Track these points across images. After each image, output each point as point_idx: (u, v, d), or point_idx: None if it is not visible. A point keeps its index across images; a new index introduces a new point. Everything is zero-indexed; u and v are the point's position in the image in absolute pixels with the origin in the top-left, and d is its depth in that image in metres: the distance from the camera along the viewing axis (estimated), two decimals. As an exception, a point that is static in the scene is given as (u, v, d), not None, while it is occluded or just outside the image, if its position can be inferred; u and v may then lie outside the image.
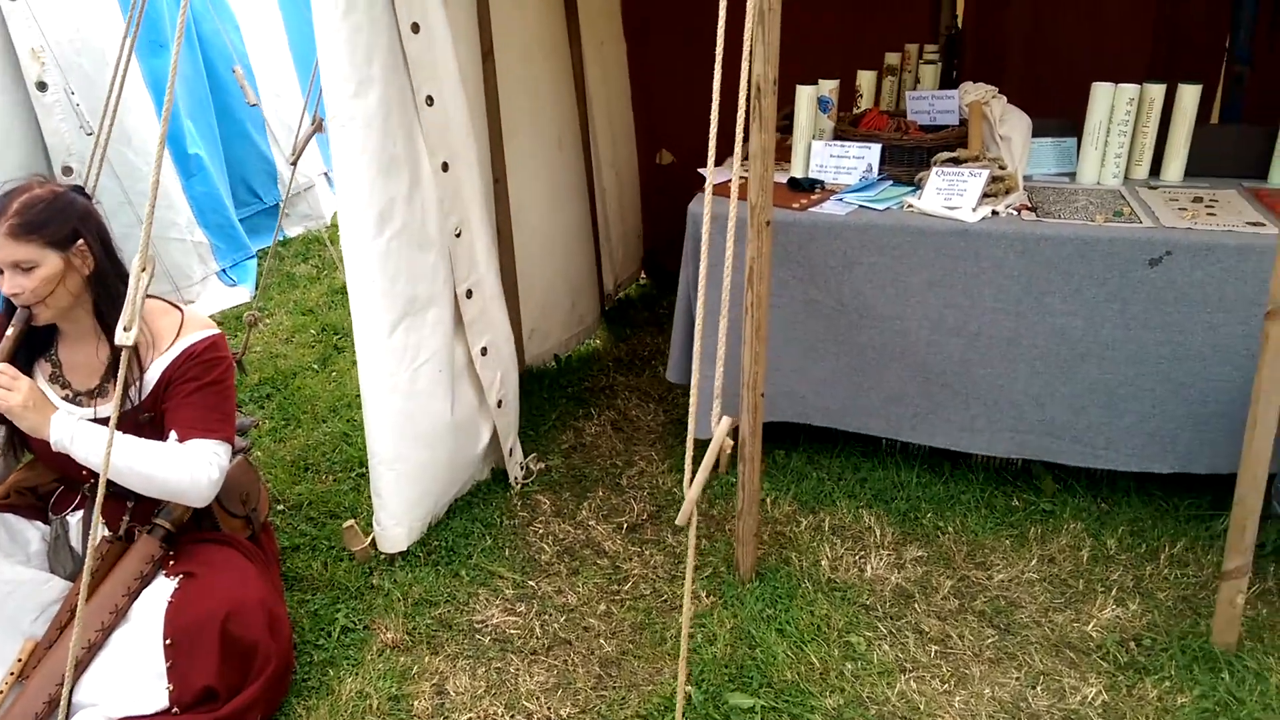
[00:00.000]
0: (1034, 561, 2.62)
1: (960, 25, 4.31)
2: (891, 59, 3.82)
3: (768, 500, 2.90)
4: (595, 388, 3.66)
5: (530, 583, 2.57)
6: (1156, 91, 2.83)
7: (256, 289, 4.62)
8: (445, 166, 2.54)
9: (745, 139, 2.37)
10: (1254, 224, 2.53)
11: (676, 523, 1.81)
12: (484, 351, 2.82)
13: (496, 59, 3.09)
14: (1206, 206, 2.66)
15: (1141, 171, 2.95)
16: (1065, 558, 2.63)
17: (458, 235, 2.66)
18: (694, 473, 1.75)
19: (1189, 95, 2.83)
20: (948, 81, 4.30)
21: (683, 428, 2.96)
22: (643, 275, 4.72)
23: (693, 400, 1.82)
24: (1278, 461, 2.38)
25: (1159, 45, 3.99)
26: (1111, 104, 2.81)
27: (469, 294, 2.73)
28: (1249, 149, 2.96)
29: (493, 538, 2.74)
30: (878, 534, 2.75)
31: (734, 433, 2.88)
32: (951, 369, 2.74)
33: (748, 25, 1.87)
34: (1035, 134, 3.04)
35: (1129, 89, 2.80)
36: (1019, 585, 2.53)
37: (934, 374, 2.76)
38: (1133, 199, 2.76)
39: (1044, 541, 2.70)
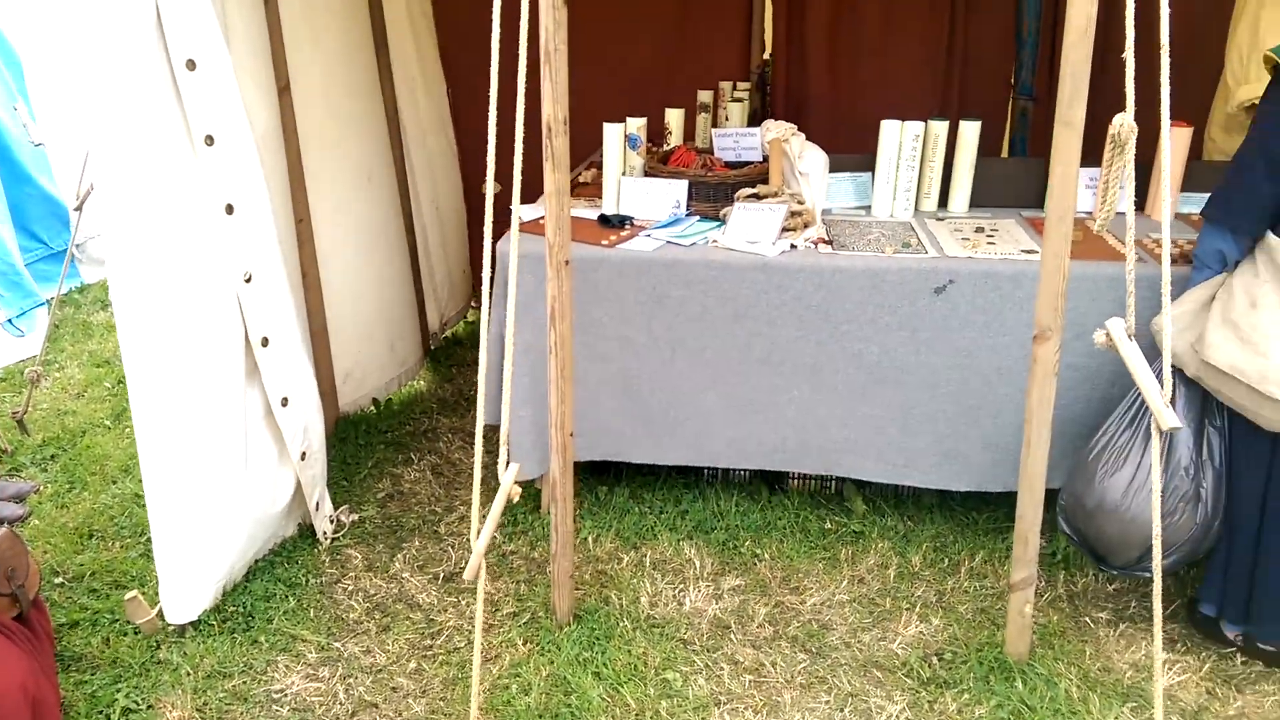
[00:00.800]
0: (845, 583, 2.69)
1: (770, 64, 4.47)
2: (704, 96, 3.91)
3: (590, 538, 2.87)
4: (416, 431, 3.55)
5: (336, 644, 2.44)
6: (940, 128, 2.99)
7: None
8: (230, 209, 2.41)
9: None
10: (1028, 251, 2.69)
11: (465, 577, 1.75)
12: (285, 402, 2.68)
13: (294, 96, 2.98)
14: (987, 236, 2.83)
15: (931, 204, 3.11)
16: (874, 577, 2.72)
17: (248, 281, 2.53)
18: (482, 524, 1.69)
19: (969, 131, 3.00)
20: (765, 117, 4.44)
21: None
22: (472, 309, 4.63)
23: (478, 446, 1.77)
24: (1058, 478, 2.55)
25: (950, 83, 4.25)
26: (899, 140, 2.96)
27: (265, 342, 2.60)
28: (1027, 180, 3.16)
29: (296, 598, 2.60)
30: (698, 565, 2.76)
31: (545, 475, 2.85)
32: (760, 397, 2.80)
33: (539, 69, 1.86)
34: (834, 169, 3.17)
35: (914, 126, 2.95)
36: (831, 607, 2.59)
37: (744, 402, 2.81)
38: (921, 230, 2.90)
39: (854, 562, 2.78)
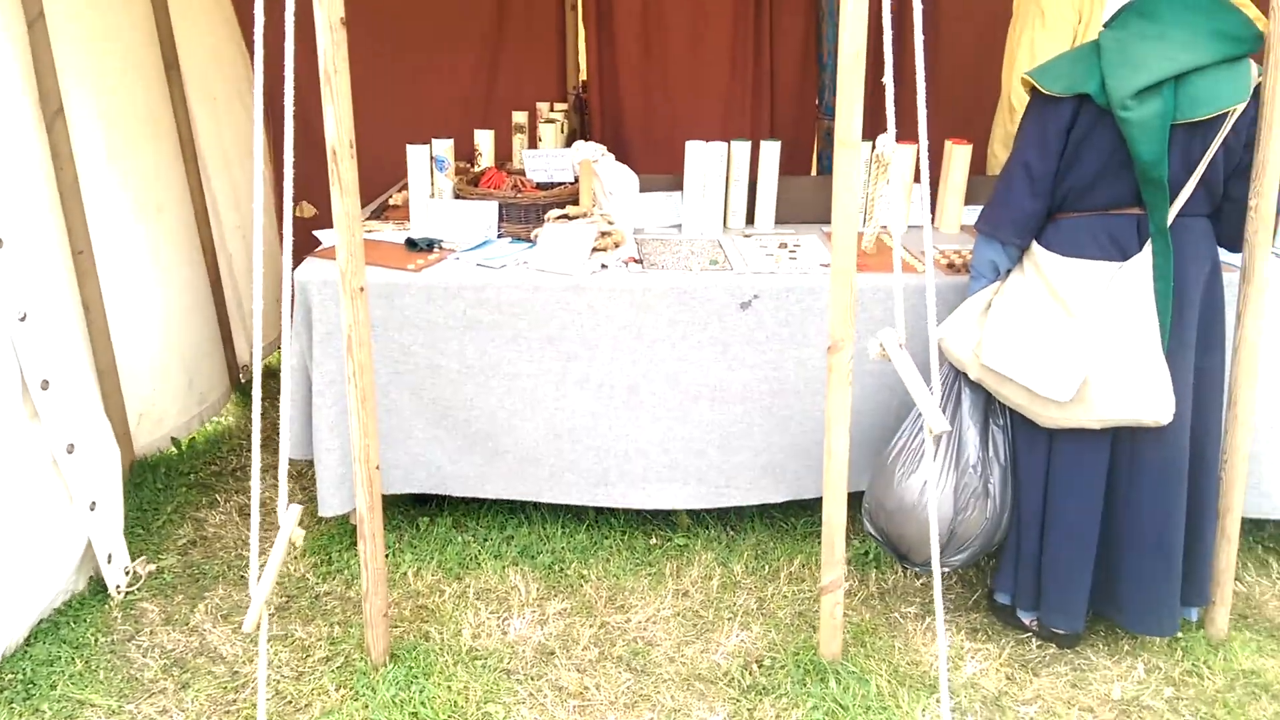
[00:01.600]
0: (669, 597, 2.71)
1: (585, 85, 4.51)
2: (519, 117, 3.90)
3: (410, 572, 2.79)
4: (223, 471, 3.36)
5: (129, 706, 2.26)
6: (742, 148, 3.08)
7: None
8: (-7, 243, 2.21)
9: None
10: (827, 265, 2.81)
11: (244, 628, 1.65)
12: (70, 449, 2.48)
13: (69, 119, 2.78)
14: (790, 251, 2.93)
15: (739, 221, 3.20)
16: (698, 589, 2.75)
17: (22, 320, 2.33)
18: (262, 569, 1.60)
19: (769, 151, 3.11)
20: (584, 139, 4.47)
21: (323, 505, 2.78)
22: (287, 342, 4.43)
23: (255, 483, 1.67)
24: (866, 480, 2.65)
25: (760, 104, 4.40)
26: (704, 161, 3.03)
27: (45, 385, 2.40)
28: (828, 197, 3.29)
29: (84, 660, 2.40)
30: (523, 592, 2.72)
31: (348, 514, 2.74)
32: (580, 423, 2.79)
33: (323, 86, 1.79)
34: (647, 189, 3.22)
35: (718, 146, 3.03)
36: (655, 623, 2.60)
37: (564, 430, 2.80)
38: (729, 247, 2.98)
39: (679, 576, 2.81)
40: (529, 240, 2.89)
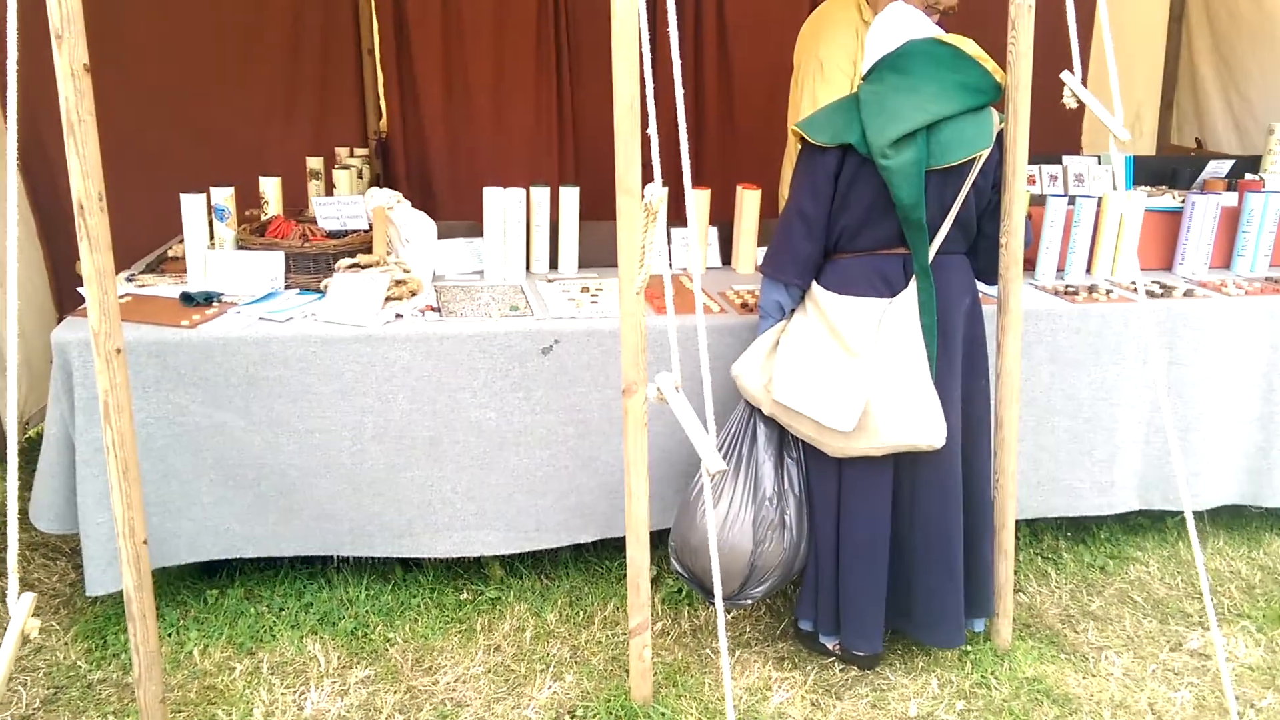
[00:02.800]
0: (480, 654, 2.63)
1: (387, 131, 4.43)
2: (314, 163, 3.78)
3: (196, 650, 2.59)
4: (-18, 553, 3.03)
5: None
6: (542, 193, 3.09)
7: None
8: None
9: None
10: (627, 309, 2.84)
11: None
12: None
13: None
14: (592, 295, 2.95)
15: (542, 266, 3.20)
16: (510, 642, 2.69)
17: None
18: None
19: (569, 196, 3.13)
20: (389, 184, 4.38)
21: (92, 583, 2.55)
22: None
23: (10, 564, 1.51)
24: (671, 519, 2.68)
25: (565, 148, 4.45)
26: (503, 206, 3.02)
27: None
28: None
29: None
30: (322, 662, 2.58)
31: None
32: (380, 476, 2.69)
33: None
34: (449, 235, 3.18)
35: (517, 192, 3.03)
36: (465, 683, 2.52)
37: (363, 484, 2.69)
38: (531, 292, 2.97)
39: (490, 630, 2.74)
40: (319, 291, 2.79)
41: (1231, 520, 3.33)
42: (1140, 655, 2.67)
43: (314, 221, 3.06)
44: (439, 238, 3.12)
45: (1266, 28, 4.08)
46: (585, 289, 3.01)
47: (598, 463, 2.80)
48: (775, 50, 4.32)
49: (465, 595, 2.89)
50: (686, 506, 2.55)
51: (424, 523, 2.75)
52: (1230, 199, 3.34)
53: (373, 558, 2.98)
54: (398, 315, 2.66)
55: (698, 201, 3.22)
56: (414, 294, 2.74)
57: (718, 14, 4.51)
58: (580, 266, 3.25)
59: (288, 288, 2.82)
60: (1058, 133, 4.40)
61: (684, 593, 2.92)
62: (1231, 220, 3.32)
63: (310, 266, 2.82)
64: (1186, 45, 4.61)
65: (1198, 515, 3.25)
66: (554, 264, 3.24)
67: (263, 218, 3.11)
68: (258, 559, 2.86)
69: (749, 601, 2.53)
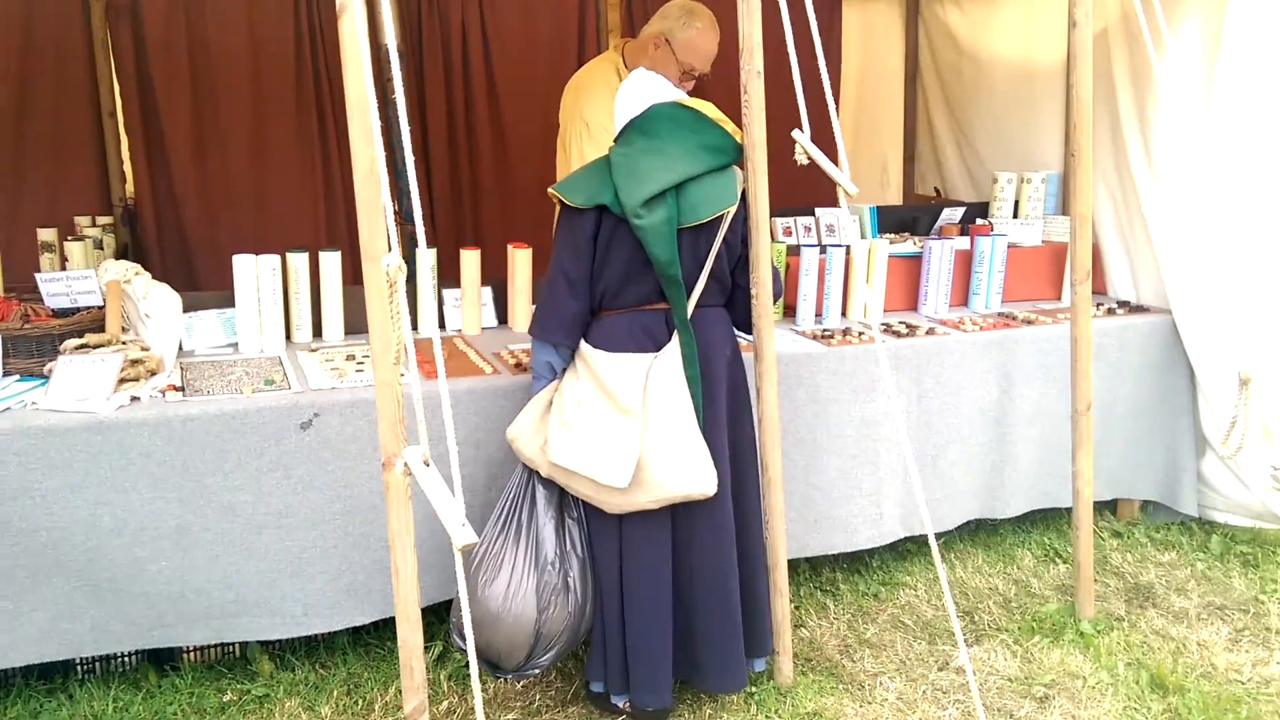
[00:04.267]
0: (245, 761, 2.43)
1: (134, 198, 4.13)
2: (46, 235, 3.46)
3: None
4: None
5: None
6: (300, 259, 2.96)
7: None
8: None
9: None
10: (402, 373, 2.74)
11: None
12: None
13: None
14: (357, 363, 2.83)
15: (304, 335, 3.05)
16: (280, 744, 2.50)
17: None
18: None
19: (330, 261, 3.01)
20: (139, 254, 4.07)
21: None
22: None
23: None
24: (454, 589, 2.58)
25: (335, 212, 4.30)
26: (255, 274, 2.86)
27: None
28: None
29: None
30: (58, 792, 2.29)
31: None
32: (122, 571, 2.45)
33: None
34: (198, 307, 2.98)
35: (270, 259, 2.88)
36: (228, 795, 2.31)
37: (103, 580, 2.44)
38: (290, 364, 2.82)
39: (259, 732, 2.53)
40: (43, 376, 2.52)
41: (988, 539, 3.59)
42: (911, 678, 2.80)
43: (41, 300, 2.78)
44: (188, 310, 2.92)
45: (986, 85, 4.53)
46: (351, 357, 2.89)
47: (371, 539, 2.67)
48: (545, 110, 4.39)
49: (229, 696, 2.66)
50: (466, 581, 2.46)
51: (176, 614, 2.52)
52: (964, 243, 3.64)
53: (122, 665, 2.71)
54: (134, 398, 2.44)
55: (468, 262, 3.18)
56: (153, 373, 2.54)
57: (486, 75, 4.53)
58: (350, 333, 3.12)
59: (7, 374, 2.54)
60: (821, 186, 4.68)
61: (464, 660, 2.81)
62: (966, 262, 3.62)
63: (33, 350, 2.55)
64: (923, 102, 5.04)
65: (954, 535, 3.49)
66: (317, 332, 3.09)
67: (-23, 297, 2.80)
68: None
69: (537, 670, 2.47)
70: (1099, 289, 3.74)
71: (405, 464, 1.54)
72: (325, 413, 2.55)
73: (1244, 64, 3.24)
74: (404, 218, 4.31)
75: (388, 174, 1.71)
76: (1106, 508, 3.76)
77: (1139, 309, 3.59)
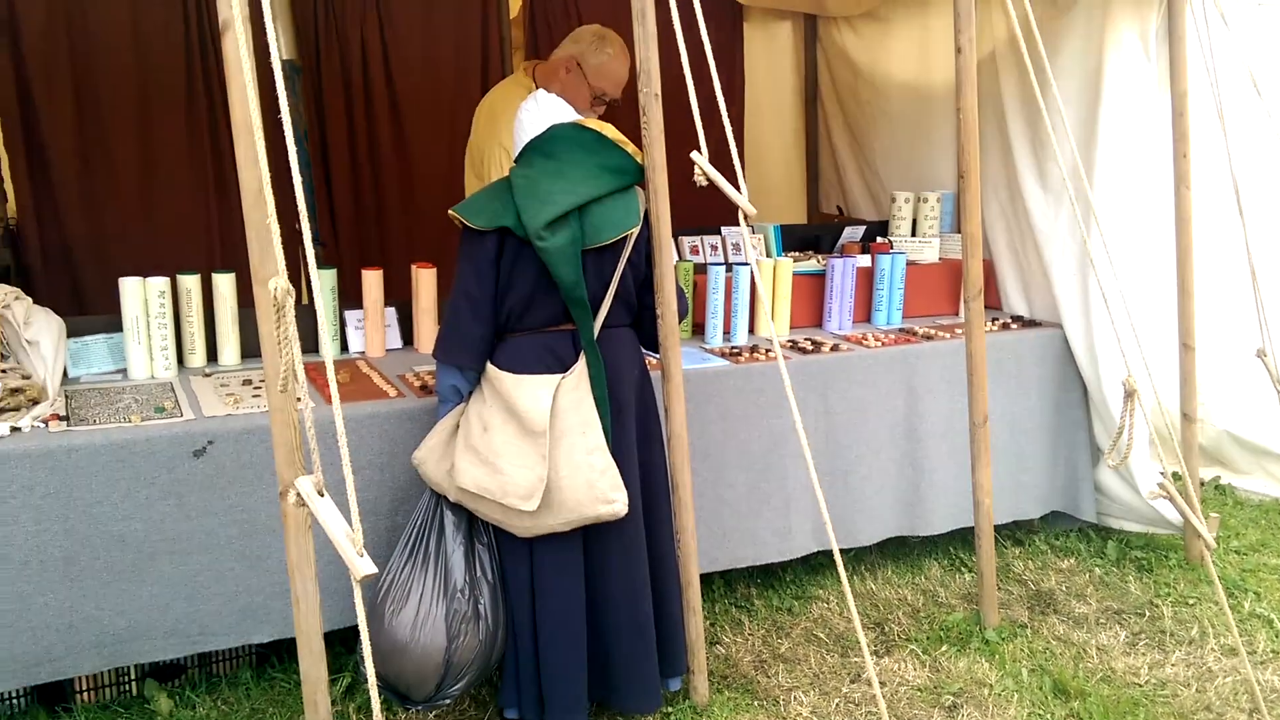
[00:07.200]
0: (138, 808, 2.31)
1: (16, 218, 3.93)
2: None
3: None
4: None
5: None
6: (191, 281, 2.86)
7: None
8: None
9: None
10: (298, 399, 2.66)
11: None
12: None
13: None
14: (254, 388, 2.74)
15: (199, 359, 2.94)
16: (176, 789, 2.38)
17: None
18: None
19: (224, 283, 2.92)
20: (22, 278, 3.87)
21: None
22: None
23: None
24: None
25: (229, 232, 4.16)
26: (143, 297, 2.75)
27: None
28: (308, 325, 3.16)
29: None
30: None
31: None
32: (6, 606, 2.32)
33: None
34: (84, 332, 2.85)
35: (158, 281, 2.78)
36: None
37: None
38: (183, 390, 2.71)
39: (152, 778, 2.41)
40: (-88, 407, 2.38)
41: (897, 550, 3.65)
42: (825, 691, 2.83)
43: (-93, 326, 2.62)
44: (73, 335, 2.78)
45: (883, 107, 4.65)
46: (247, 381, 2.80)
47: (269, 560, 2.57)
48: (450, 127, 4.34)
49: (123, 738, 2.54)
50: (373, 609, 2.39)
51: (64, 645, 2.40)
52: (865, 260, 3.73)
53: (10, 706, 2.55)
54: (13, 429, 2.32)
55: (370, 283, 3.12)
56: (35, 402, 2.41)
57: (388, 91, 4.45)
58: (247, 356, 3.02)
59: None
60: (728, 204, 4.73)
61: (384, 697, 2.74)
62: (868, 279, 3.71)
63: (-101, 379, 2.40)
64: (824, 124, 5.15)
65: (865, 549, 3.55)
66: (212, 356, 2.99)
67: None
68: None
69: (448, 700, 2.41)
70: (993, 304, 3.87)
71: (298, 493, 1.48)
72: (219, 440, 2.46)
73: (1125, 78, 3.40)
74: (312, 240, 4.21)
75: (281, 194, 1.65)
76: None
77: (1032, 323, 3.72)
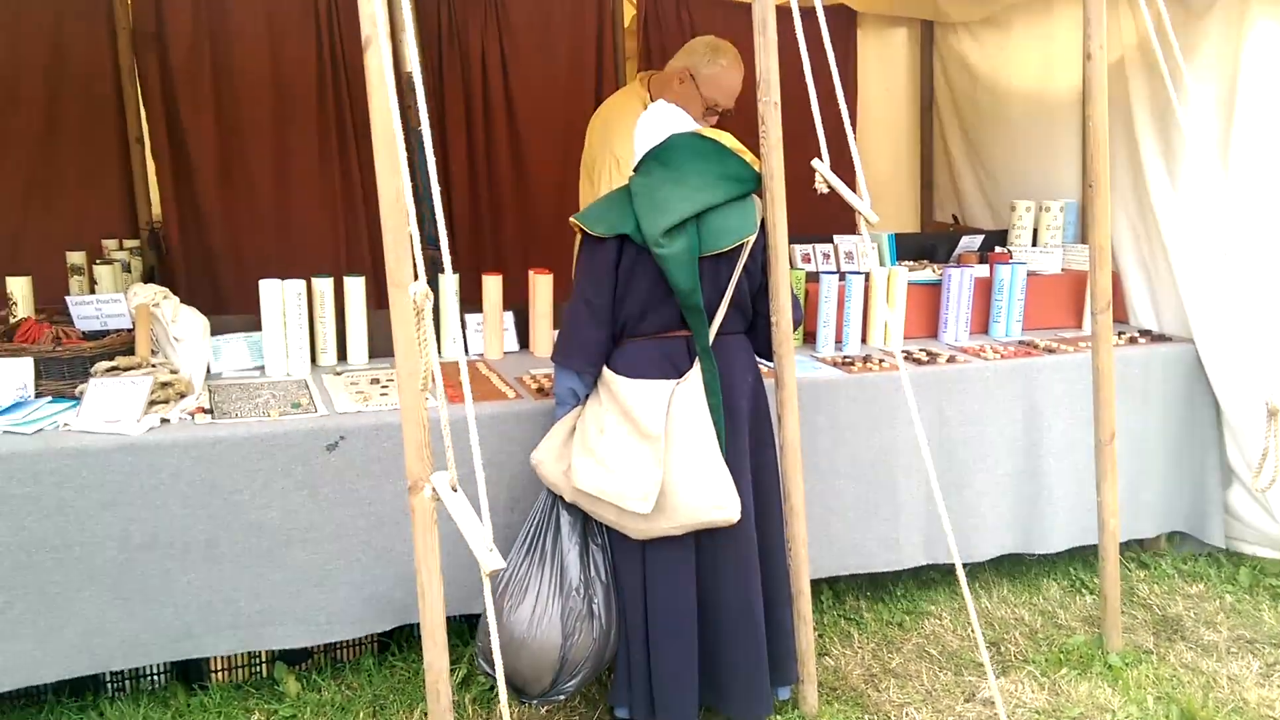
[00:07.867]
0: (269, 784, 2.43)
1: (161, 221, 4.19)
2: (75, 258, 3.52)
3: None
4: None
5: None
6: (325, 284, 3.00)
7: None
8: None
9: None
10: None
11: None
12: None
13: None
14: (382, 387, 2.86)
15: (329, 358, 3.09)
16: (302, 767, 2.50)
17: None
18: None
19: (355, 286, 3.05)
20: (166, 278, 4.11)
21: None
22: None
23: None
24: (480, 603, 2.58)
25: (357, 235, 4.35)
26: (281, 298, 2.90)
27: None
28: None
29: None
30: (83, 813, 2.30)
31: None
32: (153, 583, 2.48)
33: None
34: (225, 330, 3.02)
35: (296, 283, 2.92)
36: (249, 819, 2.31)
37: (134, 593, 2.47)
38: (316, 387, 2.85)
39: (282, 755, 2.54)
40: (75, 398, 2.56)
41: (1013, 568, 3.56)
42: (938, 709, 2.77)
43: (71, 322, 2.82)
44: (215, 333, 2.95)
45: (1003, 114, 4.54)
46: (375, 380, 2.92)
47: (393, 552, 2.68)
48: (564, 136, 4.43)
49: (257, 715, 2.67)
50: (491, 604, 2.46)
51: (204, 624, 2.55)
52: (983, 270, 3.65)
53: (152, 684, 2.72)
54: (163, 420, 2.47)
55: (490, 288, 3.21)
56: (182, 395, 2.57)
57: (506, 103, 4.58)
58: (374, 356, 3.15)
59: (39, 396, 2.58)
60: (840, 213, 4.70)
61: (495, 690, 2.81)
62: (986, 290, 3.63)
63: (64, 372, 2.59)
64: (940, 131, 5.06)
65: (980, 565, 3.46)
66: (342, 355, 3.12)
67: (11, 320, 2.84)
68: (15, 695, 2.54)
69: (562, 696, 2.46)
70: (1120, 317, 3.73)
71: (433, 489, 1.55)
72: (350, 435, 2.58)
73: (1264, 89, 3.24)
74: (427, 242, 4.35)
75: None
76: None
77: (1161, 338, 3.58)
